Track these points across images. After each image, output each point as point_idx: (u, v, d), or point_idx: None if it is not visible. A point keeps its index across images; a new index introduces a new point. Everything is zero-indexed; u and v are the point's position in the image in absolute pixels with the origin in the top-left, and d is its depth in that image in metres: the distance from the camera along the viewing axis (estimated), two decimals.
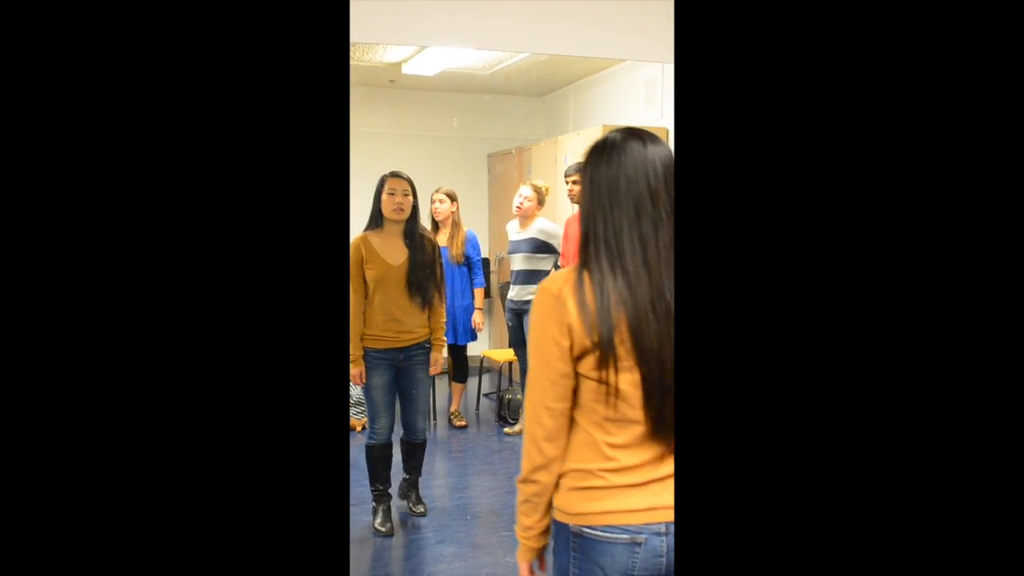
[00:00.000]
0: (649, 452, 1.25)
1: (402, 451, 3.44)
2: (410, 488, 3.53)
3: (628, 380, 1.23)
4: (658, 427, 1.24)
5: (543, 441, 1.28)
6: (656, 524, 1.26)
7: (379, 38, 3.13)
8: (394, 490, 3.45)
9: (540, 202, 4.34)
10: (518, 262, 4.37)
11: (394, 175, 3.16)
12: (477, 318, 4.63)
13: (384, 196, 3.13)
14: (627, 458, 1.26)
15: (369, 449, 3.29)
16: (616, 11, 2.95)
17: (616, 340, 1.22)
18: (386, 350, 3.17)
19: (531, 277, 4.30)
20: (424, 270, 3.17)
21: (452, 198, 4.40)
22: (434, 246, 3.25)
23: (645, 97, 5.03)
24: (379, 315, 3.16)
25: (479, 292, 4.63)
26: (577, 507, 1.28)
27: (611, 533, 1.26)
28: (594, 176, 1.32)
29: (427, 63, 5.19)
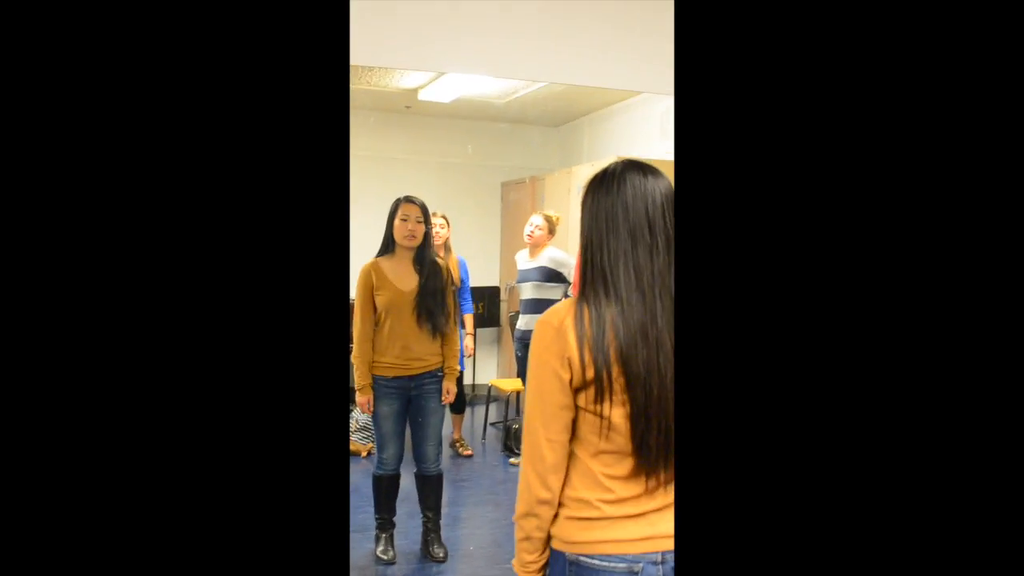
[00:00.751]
0: (642, 482, 1.25)
1: (417, 487, 3.36)
2: (430, 531, 3.39)
3: (620, 413, 1.22)
4: (641, 456, 1.24)
5: (548, 474, 1.28)
6: (652, 553, 1.26)
7: (396, 63, 3.14)
8: (398, 518, 3.40)
9: (551, 231, 4.34)
10: (527, 291, 4.36)
11: (408, 200, 3.12)
12: (468, 343, 4.60)
13: (397, 221, 3.10)
14: (623, 489, 1.26)
15: (376, 480, 3.23)
16: (634, 43, 2.96)
17: (612, 372, 1.22)
18: (396, 378, 3.11)
19: (540, 306, 4.29)
20: (436, 297, 3.13)
21: (448, 223, 4.41)
22: (448, 272, 3.21)
23: (660, 129, 5.05)
24: (389, 342, 3.10)
25: (468, 318, 4.61)
26: (575, 536, 1.27)
27: (608, 562, 1.26)
28: (593, 206, 1.32)
29: (443, 90, 5.22)
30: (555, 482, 1.28)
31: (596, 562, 1.27)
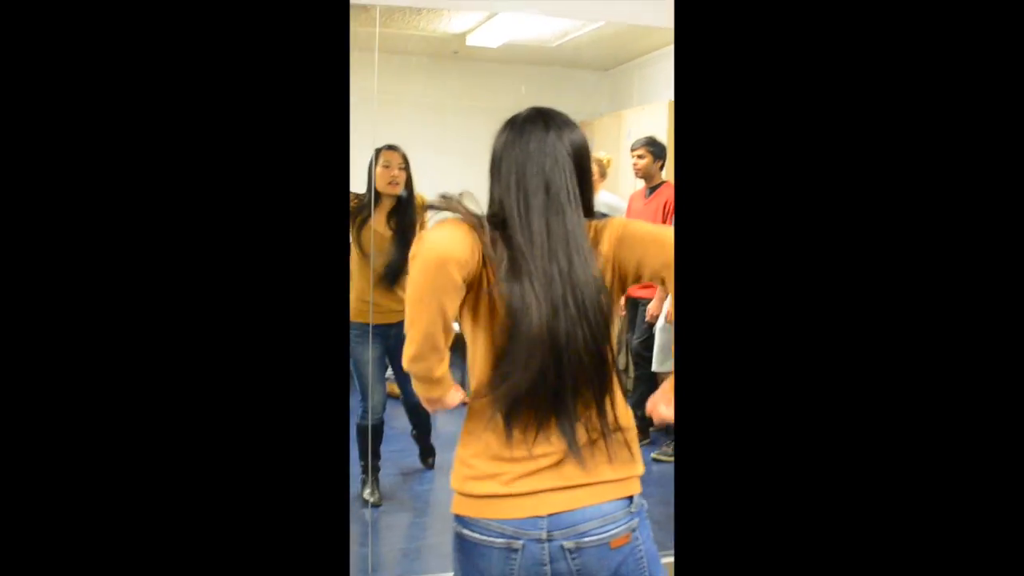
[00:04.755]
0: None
1: (406, 412, 3.41)
2: (417, 440, 3.51)
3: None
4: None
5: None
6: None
7: (442, 3, 3.10)
8: (395, 454, 3.45)
9: (602, 175, 4.29)
10: None
11: (389, 147, 3.08)
12: None
13: (379, 169, 3.07)
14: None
15: (362, 430, 3.23)
16: None
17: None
18: (378, 325, 3.12)
19: None
20: (402, 255, 3.07)
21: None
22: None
23: None
24: (373, 287, 3.10)
25: None
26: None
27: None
28: (496, 157, 1.33)
29: (492, 34, 5.15)
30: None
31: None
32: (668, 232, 1.32)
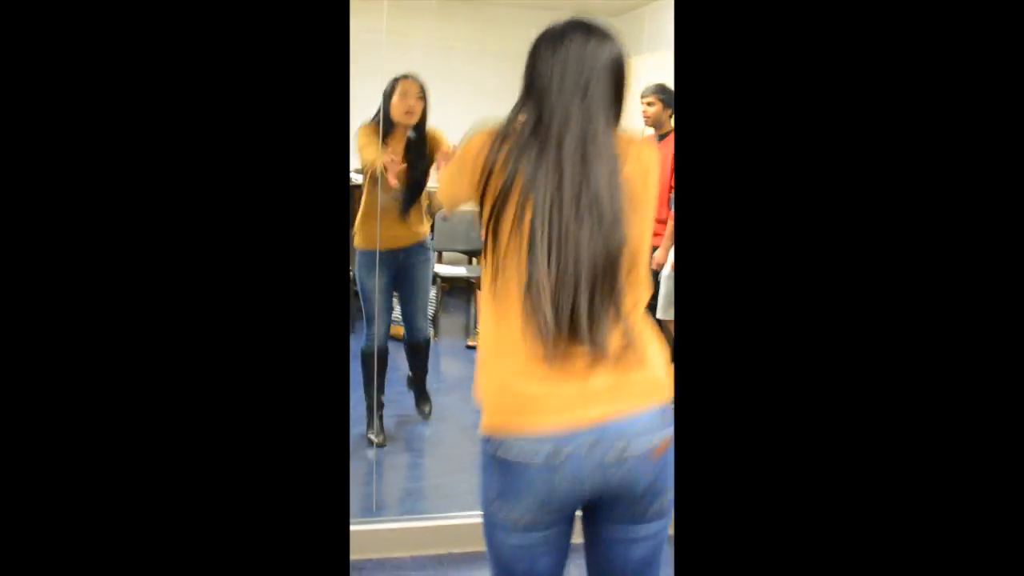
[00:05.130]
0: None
1: (406, 353, 3.42)
2: (413, 385, 3.50)
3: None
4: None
5: None
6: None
7: None
8: (397, 395, 3.46)
9: None
10: None
11: (406, 76, 3.04)
12: None
13: (395, 98, 3.03)
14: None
15: (365, 355, 3.23)
16: None
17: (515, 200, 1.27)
18: (386, 250, 3.10)
19: None
20: (415, 173, 3.05)
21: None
22: (431, 143, 3.13)
23: None
24: (381, 214, 3.06)
25: None
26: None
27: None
28: (530, 65, 1.35)
29: None
30: None
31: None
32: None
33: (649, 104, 3.97)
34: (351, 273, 3.20)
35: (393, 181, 2.97)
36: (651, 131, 4.06)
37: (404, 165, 2.97)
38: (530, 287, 1.24)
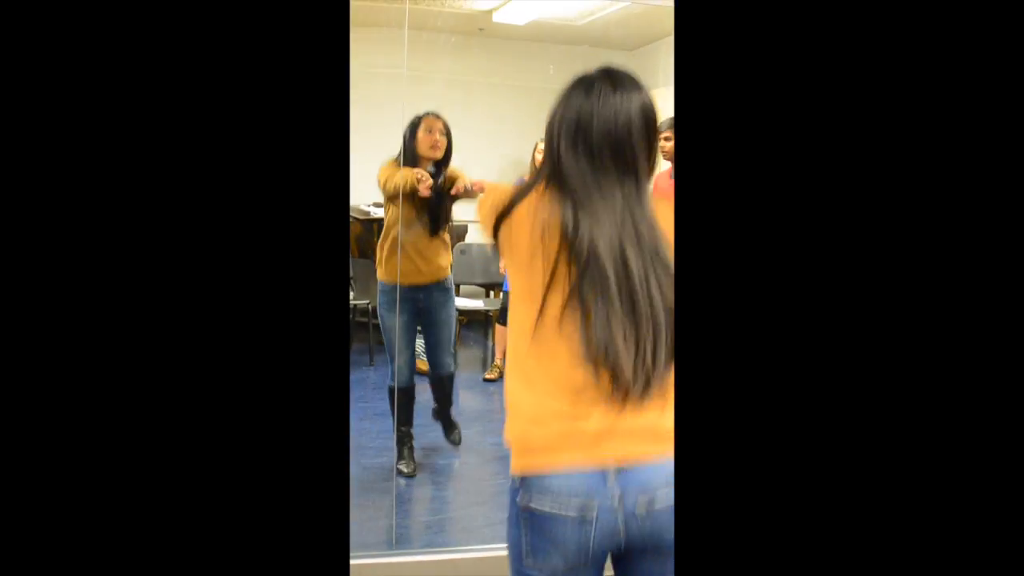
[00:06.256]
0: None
1: (431, 387, 3.44)
2: (439, 416, 3.53)
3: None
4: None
5: None
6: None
7: None
8: (416, 429, 3.48)
9: None
10: None
11: (431, 114, 3.11)
12: None
13: (421, 133, 3.11)
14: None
15: (392, 392, 3.27)
16: None
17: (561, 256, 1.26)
18: (409, 286, 3.15)
19: None
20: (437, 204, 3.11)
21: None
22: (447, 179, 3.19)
23: None
24: (403, 250, 3.12)
25: None
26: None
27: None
28: (555, 112, 1.30)
29: (518, 12, 5.15)
30: None
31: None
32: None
33: (667, 139, 3.99)
34: (359, 305, 3.21)
35: (426, 192, 3.02)
36: (668, 164, 4.07)
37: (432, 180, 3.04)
38: (600, 343, 1.23)
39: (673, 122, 4.00)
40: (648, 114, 1.30)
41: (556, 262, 1.26)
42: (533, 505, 1.27)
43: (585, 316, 1.24)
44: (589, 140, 1.26)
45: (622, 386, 1.24)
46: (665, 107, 4.03)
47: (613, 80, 1.29)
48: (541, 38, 6.16)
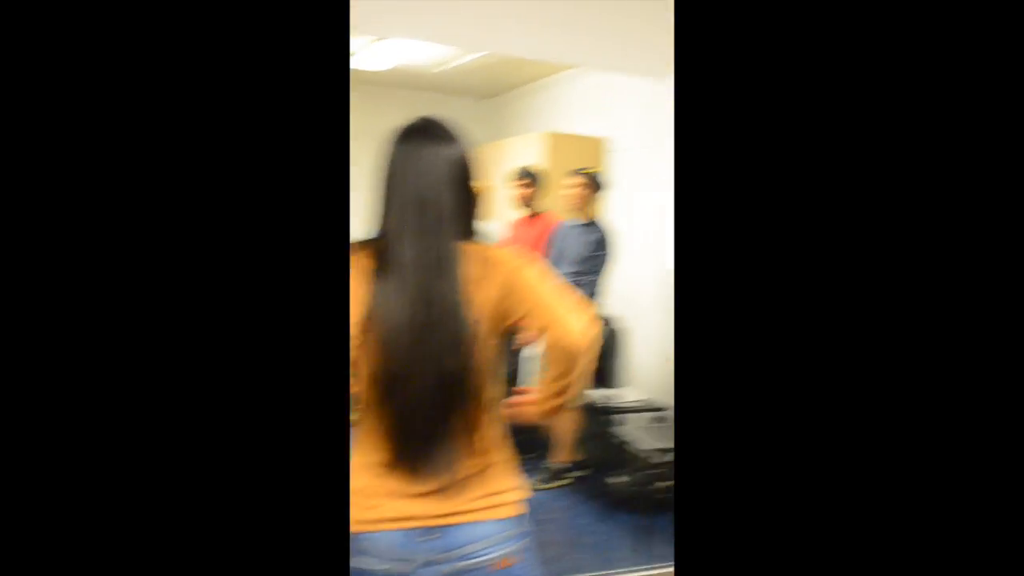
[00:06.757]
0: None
1: None
2: None
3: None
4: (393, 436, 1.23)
5: None
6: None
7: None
8: None
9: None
10: None
11: None
12: None
13: None
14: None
15: None
16: (570, 15, 2.94)
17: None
18: None
19: None
20: None
21: None
22: None
23: (593, 104, 5.00)
24: None
25: None
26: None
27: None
28: (380, 169, 1.24)
29: (379, 57, 5.03)
30: None
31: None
32: (555, 291, 1.25)
33: (522, 186, 4.01)
34: None
35: None
36: (524, 212, 4.04)
37: None
38: (384, 402, 1.19)
39: (524, 171, 3.99)
40: (460, 167, 1.22)
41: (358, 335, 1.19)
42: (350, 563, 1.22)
43: (384, 396, 1.19)
44: (402, 195, 1.20)
45: (396, 472, 1.20)
46: (519, 154, 4.14)
47: (428, 131, 1.24)
48: (399, 84, 5.86)
